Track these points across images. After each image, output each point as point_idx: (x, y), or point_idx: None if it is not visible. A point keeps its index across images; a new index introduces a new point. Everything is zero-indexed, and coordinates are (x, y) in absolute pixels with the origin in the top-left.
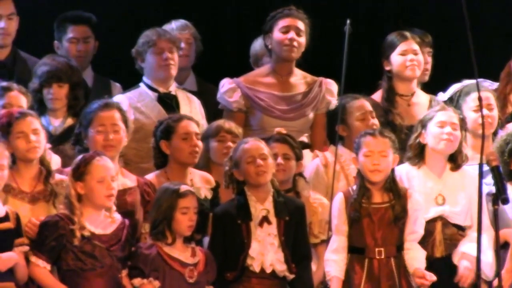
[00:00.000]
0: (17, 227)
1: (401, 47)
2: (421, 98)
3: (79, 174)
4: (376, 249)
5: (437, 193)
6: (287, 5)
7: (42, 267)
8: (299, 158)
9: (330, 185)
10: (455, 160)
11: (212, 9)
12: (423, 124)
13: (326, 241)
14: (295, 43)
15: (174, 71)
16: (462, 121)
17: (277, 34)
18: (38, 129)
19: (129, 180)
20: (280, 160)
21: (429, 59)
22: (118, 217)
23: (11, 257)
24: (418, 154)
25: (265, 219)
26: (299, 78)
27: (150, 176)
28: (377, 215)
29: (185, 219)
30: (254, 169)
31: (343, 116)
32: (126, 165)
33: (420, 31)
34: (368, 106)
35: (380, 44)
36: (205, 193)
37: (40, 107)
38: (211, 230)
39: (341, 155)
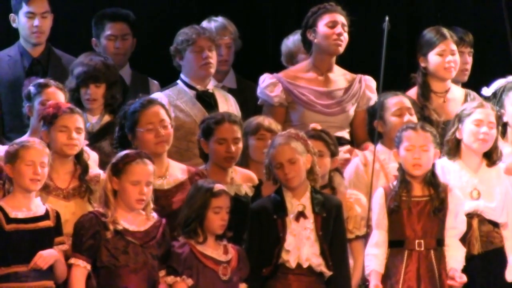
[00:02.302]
0: (57, 226)
1: (440, 47)
2: (456, 93)
3: (116, 169)
4: (416, 241)
5: (473, 187)
6: (327, 1)
7: (82, 267)
8: (334, 154)
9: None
10: (491, 156)
11: (250, 5)
12: (460, 119)
13: (361, 237)
14: (342, 38)
15: (213, 70)
16: (499, 118)
17: (323, 28)
18: (81, 128)
19: (180, 173)
20: None
21: (469, 59)
22: (154, 215)
23: (52, 255)
24: (454, 148)
25: (301, 214)
26: (338, 74)
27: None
28: (417, 208)
29: (217, 219)
30: (282, 176)
31: (381, 112)
32: None
33: (462, 30)
34: (406, 102)
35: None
36: (246, 190)
37: (77, 106)
38: (248, 226)
39: (380, 154)
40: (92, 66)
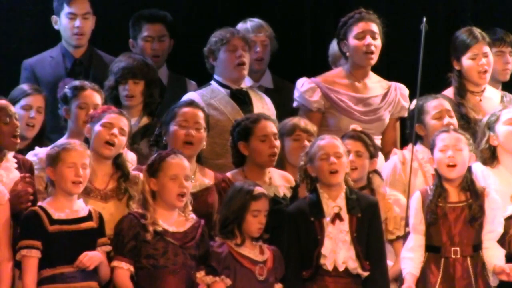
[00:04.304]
0: (100, 227)
1: (472, 51)
2: (492, 93)
3: (153, 170)
4: (452, 248)
5: None
6: (360, 7)
7: (126, 269)
8: (373, 155)
9: (408, 183)
10: None
11: (288, 6)
12: (490, 126)
13: (402, 237)
14: (372, 48)
15: (245, 72)
16: None
17: (353, 41)
18: (125, 130)
19: (207, 178)
20: (352, 157)
21: (511, 59)
22: (193, 216)
23: (97, 256)
24: (490, 157)
25: (337, 216)
26: (375, 81)
27: (228, 175)
28: (454, 214)
29: (255, 222)
30: (327, 166)
31: (421, 116)
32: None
33: (501, 30)
34: (446, 105)
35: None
36: (284, 191)
37: (115, 105)
38: (285, 229)
39: (419, 153)
40: (131, 62)
